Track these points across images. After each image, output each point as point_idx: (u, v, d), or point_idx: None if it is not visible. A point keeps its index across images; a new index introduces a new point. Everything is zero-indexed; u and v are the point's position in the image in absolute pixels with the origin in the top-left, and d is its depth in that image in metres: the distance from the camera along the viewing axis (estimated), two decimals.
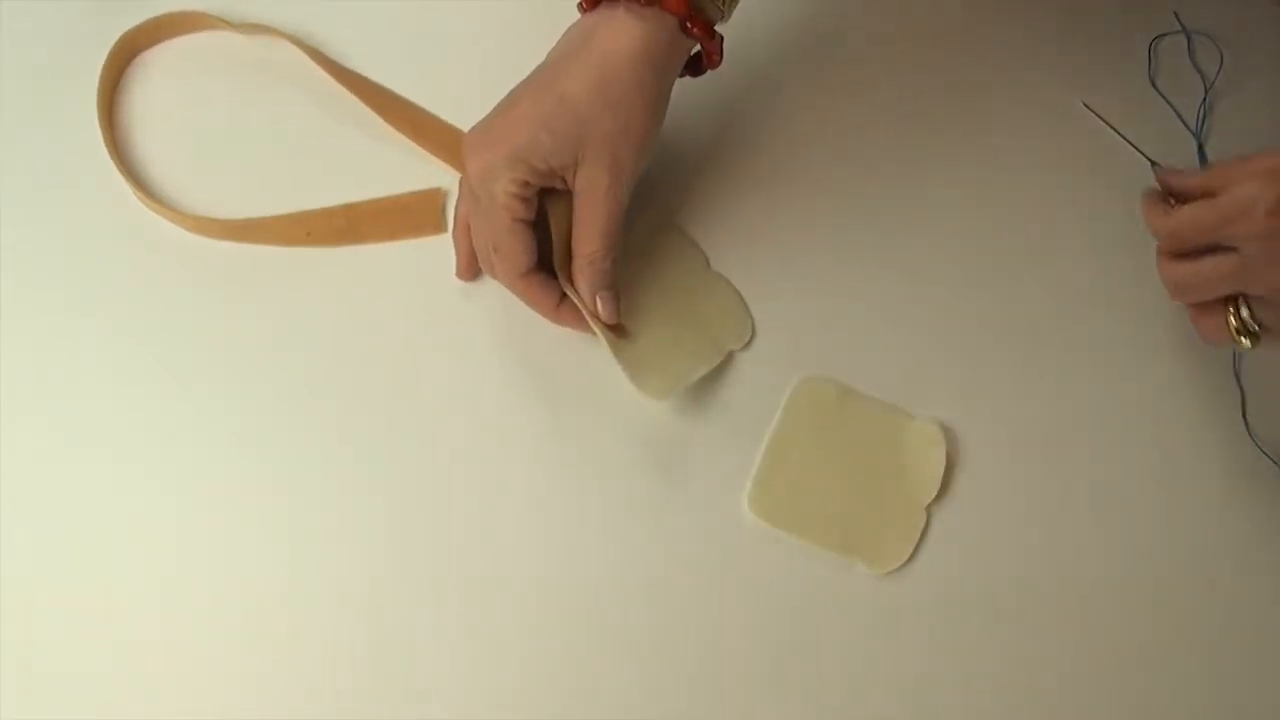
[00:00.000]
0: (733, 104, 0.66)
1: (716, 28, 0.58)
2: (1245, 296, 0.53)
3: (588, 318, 0.58)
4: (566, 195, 0.57)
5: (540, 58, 0.57)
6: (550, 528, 0.57)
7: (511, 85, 0.58)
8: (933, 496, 0.58)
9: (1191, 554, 0.58)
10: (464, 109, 0.62)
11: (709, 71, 0.60)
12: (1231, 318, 0.54)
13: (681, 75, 0.60)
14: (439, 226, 0.63)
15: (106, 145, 0.63)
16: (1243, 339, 0.54)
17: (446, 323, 0.61)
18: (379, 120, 0.64)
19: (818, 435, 0.59)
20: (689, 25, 0.56)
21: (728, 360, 0.61)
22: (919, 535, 0.58)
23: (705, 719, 0.55)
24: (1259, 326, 0.53)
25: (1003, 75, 0.68)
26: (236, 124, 0.65)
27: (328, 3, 0.67)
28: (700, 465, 0.59)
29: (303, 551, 0.57)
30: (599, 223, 0.57)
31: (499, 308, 0.61)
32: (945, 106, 0.67)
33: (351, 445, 0.59)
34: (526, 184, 0.55)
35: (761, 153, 0.65)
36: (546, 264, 0.58)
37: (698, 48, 0.59)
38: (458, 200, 0.62)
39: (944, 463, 0.59)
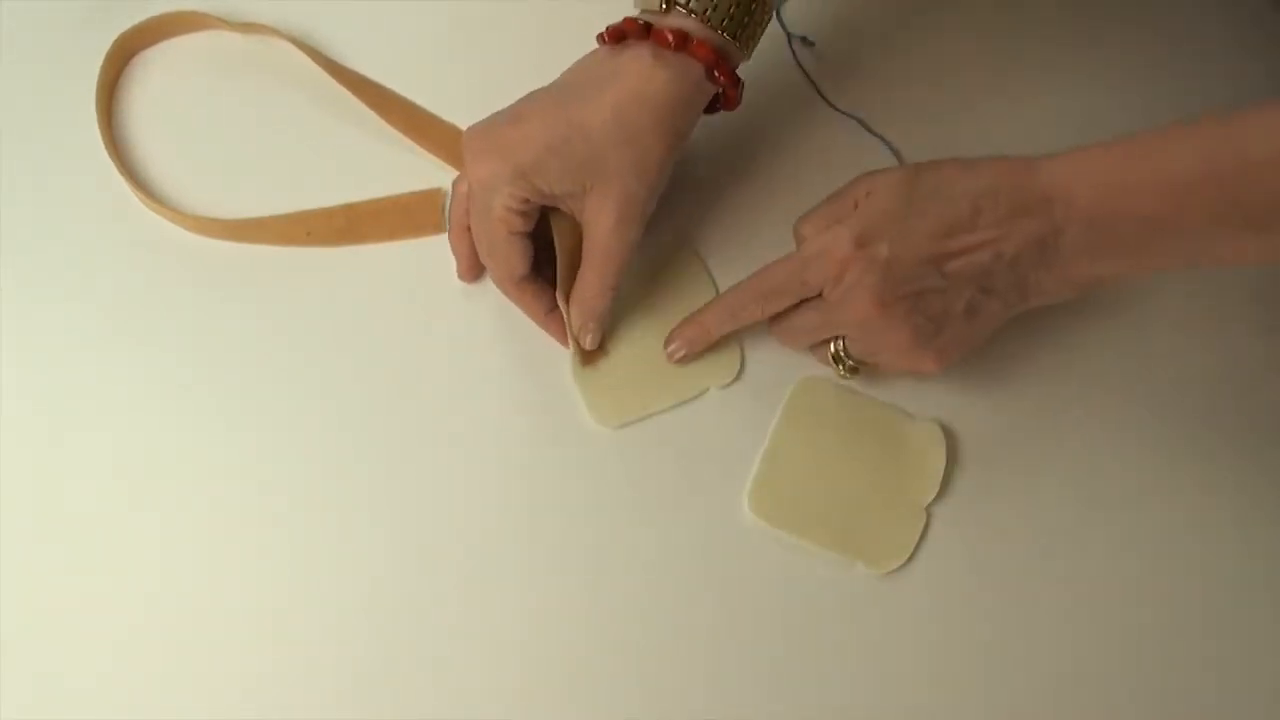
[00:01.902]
0: (746, 127, 0.66)
1: (738, 70, 0.58)
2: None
3: (570, 339, 0.58)
4: (573, 219, 0.57)
5: (537, 55, 0.58)
6: (550, 528, 0.57)
7: (509, 84, 0.58)
8: (933, 497, 0.58)
9: (1191, 553, 0.58)
10: (461, 107, 0.62)
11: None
12: (830, 352, 0.58)
13: None
14: (439, 226, 0.63)
15: (105, 146, 0.63)
16: (841, 370, 0.58)
17: (446, 323, 0.61)
18: (379, 119, 0.64)
19: (818, 435, 0.59)
20: (715, 74, 0.56)
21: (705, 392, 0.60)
22: (919, 535, 0.58)
23: (704, 719, 0.55)
24: (852, 360, 0.58)
25: (1016, 91, 0.67)
26: (236, 124, 0.65)
27: (325, 2, 0.67)
28: (700, 465, 0.59)
29: (302, 550, 0.57)
30: (605, 259, 0.57)
31: (499, 308, 0.61)
32: (947, 119, 0.67)
33: (351, 445, 0.59)
34: (526, 201, 0.55)
35: (765, 157, 0.65)
36: (541, 268, 0.58)
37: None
38: (452, 202, 0.61)
39: (944, 463, 0.59)
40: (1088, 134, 0.51)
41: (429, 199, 0.63)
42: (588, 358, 0.60)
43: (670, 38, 0.55)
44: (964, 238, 0.52)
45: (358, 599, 0.56)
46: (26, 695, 0.54)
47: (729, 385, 0.60)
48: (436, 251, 0.62)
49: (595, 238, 0.56)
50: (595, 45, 0.59)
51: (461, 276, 0.61)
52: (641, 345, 0.60)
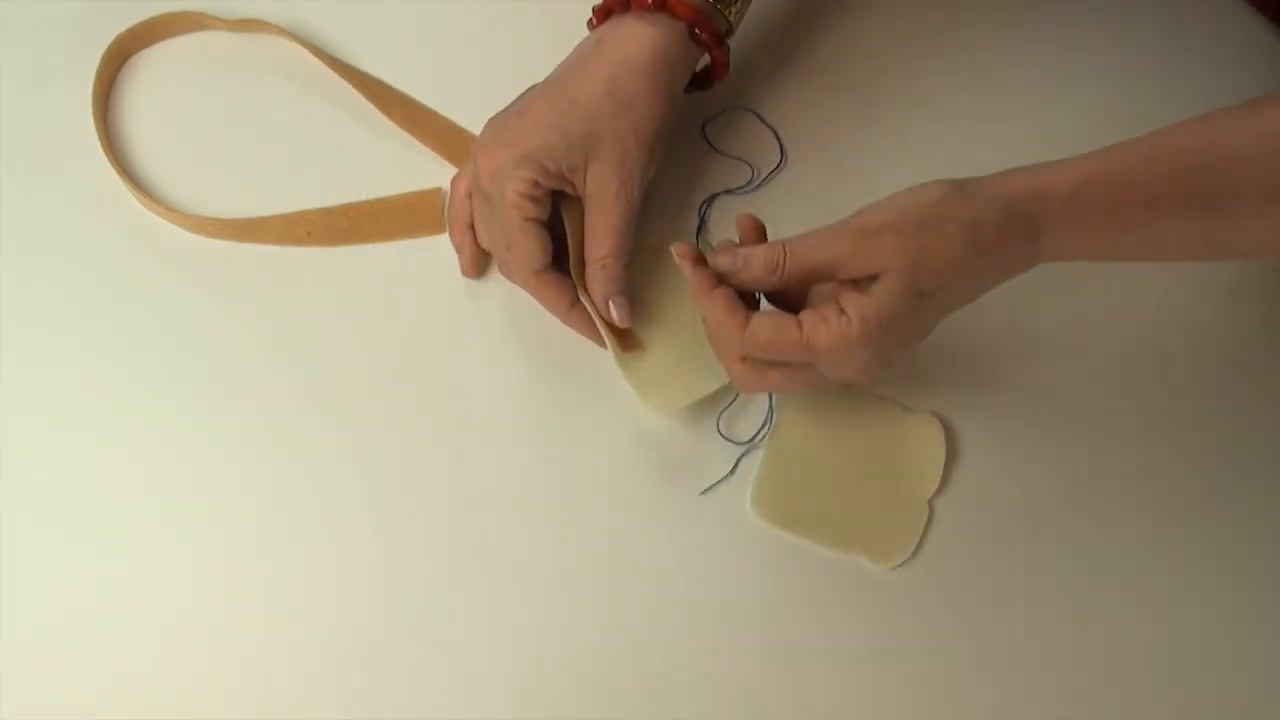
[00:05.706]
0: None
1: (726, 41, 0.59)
2: None
3: (599, 325, 0.58)
4: (580, 201, 0.58)
5: (538, 50, 0.59)
6: (554, 528, 0.57)
7: (509, 79, 0.58)
8: (934, 490, 0.58)
9: (1192, 538, 0.59)
10: (461, 103, 0.63)
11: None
12: None
13: (690, 90, 0.61)
14: (439, 226, 0.63)
15: (103, 146, 0.63)
16: None
17: (447, 322, 0.61)
18: (379, 118, 0.65)
19: (817, 433, 0.59)
20: (697, 31, 0.58)
21: None
22: (922, 529, 0.58)
23: (711, 719, 0.55)
24: None
25: (987, 75, 0.68)
26: (234, 123, 0.65)
27: (322, 1, 0.68)
28: (702, 467, 0.59)
29: (303, 551, 0.56)
30: (609, 225, 0.57)
31: (501, 308, 0.61)
32: (930, 109, 0.67)
33: (352, 444, 0.58)
34: (536, 184, 0.56)
35: (755, 153, 0.66)
36: (561, 263, 0.58)
37: (708, 60, 0.60)
38: (450, 200, 0.62)
39: (944, 455, 0.59)
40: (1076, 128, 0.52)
41: (429, 198, 0.63)
42: (624, 344, 0.58)
43: (650, 1, 0.57)
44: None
45: (359, 598, 0.56)
46: (26, 696, 0.53)
47: None
48: (437, 251, 0.62)
49: (600, 205, 0.57)
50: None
51: (465, 272, 0.62)
52: (678, 332, 0.60)
